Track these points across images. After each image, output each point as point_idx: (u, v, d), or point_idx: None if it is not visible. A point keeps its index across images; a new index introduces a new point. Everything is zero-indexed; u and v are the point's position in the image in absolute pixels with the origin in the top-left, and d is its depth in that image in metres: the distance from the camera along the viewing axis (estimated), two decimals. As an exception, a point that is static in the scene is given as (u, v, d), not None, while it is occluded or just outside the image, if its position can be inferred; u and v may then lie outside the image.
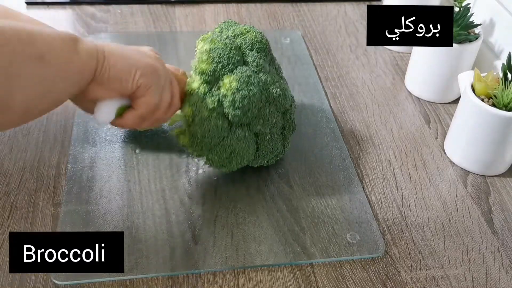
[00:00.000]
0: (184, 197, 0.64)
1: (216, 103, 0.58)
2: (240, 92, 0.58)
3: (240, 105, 0.58)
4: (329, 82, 0.85)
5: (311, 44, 0.93)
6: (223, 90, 0.59)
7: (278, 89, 0.62)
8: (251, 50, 0.63)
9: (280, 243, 0.59)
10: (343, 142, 0.73)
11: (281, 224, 0.62)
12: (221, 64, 0.59)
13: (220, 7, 1.00)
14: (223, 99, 0.59)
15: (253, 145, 0.62)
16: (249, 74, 0.59)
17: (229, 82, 0.58)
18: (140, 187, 0.65)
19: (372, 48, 0.93)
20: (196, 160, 0.68)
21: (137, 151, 0.69)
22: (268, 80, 0.61)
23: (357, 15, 1.02)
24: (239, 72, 0.59)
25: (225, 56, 0.59)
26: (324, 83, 0.84)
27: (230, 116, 0.59)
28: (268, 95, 0.61)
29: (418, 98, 0.83)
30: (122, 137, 0.71)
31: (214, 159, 0.62)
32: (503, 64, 0.67)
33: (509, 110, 0.65)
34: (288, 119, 0.65)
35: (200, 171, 0.67)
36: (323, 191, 0.66)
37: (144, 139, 0.71)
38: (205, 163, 0.64)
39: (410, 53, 0.85)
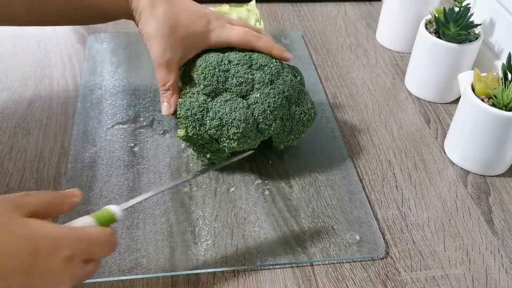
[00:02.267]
0: (184, 197, 0.64)
1: (188, 89, 0.64)
2: (200, 67, 0.63)
3: (203, 75, 0.62)
4: (329, 82, 0.85)
5: (311, 44, 0.93)
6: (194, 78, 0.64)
7: (240, 53, 0.64)
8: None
9: (280, 243, 0.59)
10: (343, 142, 0.73)
11: (281, 224, 0.62)
12: (187, 66, 0.66)
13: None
14: (196, 83, 0.64)
15: (242, 106, 0.62)
16: (206, 55, 0.65)
17: (195, 70, 0.64)
18: (140, 187, 0.65)
19: (372, 48, 0.93)
20: (195, 157, 0.68)
21: (137, 151, 0.69)
22: (230, 53, 0.65)
23: (357, 15, 1.02)
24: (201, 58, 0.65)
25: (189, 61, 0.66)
26: (324, 83, 0.84)
27: (204, 91, 0.63)
28: (229, 60, 0.63)
29: (418, 98, 0.83)
30: (122, 137, 0.71)
31: (216, 136, 0.62)
32: (503, 64, 0.67)
33: (509, 110, 0.65)
34: (270, 73, 0.64)
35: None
36: (323, 191, 0.66)
37: (144, 139, 0.71)
38: (216, 154, 0.66)
39: (410, 53, 0.85)
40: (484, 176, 0.71)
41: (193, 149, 0.66)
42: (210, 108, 0.62)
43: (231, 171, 0.67)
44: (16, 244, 0.38)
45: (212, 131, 0.62)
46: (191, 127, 0.62)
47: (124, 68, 0.83)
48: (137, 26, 0.65)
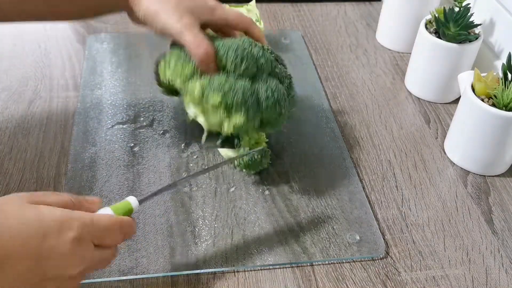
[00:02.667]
0: (184, 197, 0.64)
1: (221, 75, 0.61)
2: (229, 51, 0.60)
3: (239, 59, 0.60)
4: (329, 82, 0.85)
5: (311, 44, 0.93)
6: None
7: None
8: None
9: (280, 243, 0.59)
10: (343, 142, 0.73)
11: (281, 224, 0.62)
12: None
13: (220, 7, 1.00)
14: (229, 69, 0.61)
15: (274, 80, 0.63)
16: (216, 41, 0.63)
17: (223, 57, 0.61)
18: (140, 187, 0.65)
19: (372, 48, 0.93)
20: (196, 157, 0.68)
21: (137, 150, 0.69)
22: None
23: (357, 15, 1.02)
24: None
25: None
26: (324, 83, 0.84)
27: (244, 74, 0.61)
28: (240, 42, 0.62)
29: (418, 98, 0.83)
30: (122, 137, 0.71)
31: (271, 112, 0.62)
32: (503, 64, 0.67)
33: (509, 110, 0.65)
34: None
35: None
36: (323, 191, 0.66)
37: (144, 139, 0.71)
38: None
39: (410, 53, 0.85)
40: (484, 176, 0.71)
41: (241, 162, 0.64)
42: (260, 89, 0.61)
43: (231, 171, 0.67)
44: (26, 231, 0.39)
45: (268, 111, 0.61)
46: (251, 109, 0.59)
47: (124, 68, 0.83)
48: (136, 12, 0.63)
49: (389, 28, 0.92)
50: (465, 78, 0.73)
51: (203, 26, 0.63)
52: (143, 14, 0.62)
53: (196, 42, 0.60)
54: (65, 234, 0.41)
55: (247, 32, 0.67)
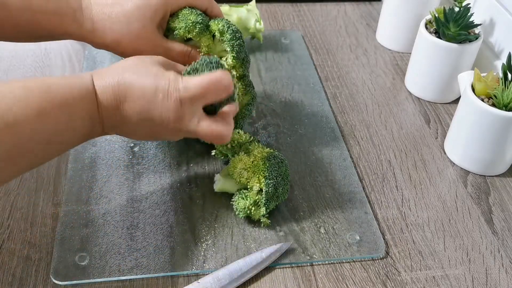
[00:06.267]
0: (184, 197, 0.64)
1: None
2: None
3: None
4: (329, 82, 0.85)
5: (311, 44, 0.93)
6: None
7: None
8: None
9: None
10: (343, 142, 0.73)
11: (281, 224, 0.62)
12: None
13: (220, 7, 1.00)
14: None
15: None
16: None
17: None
18: (140, 187, 0.65)
19: (372, 48, 0.93)
20: (196, 157, 0.68)
21: (137, 151, 0.69)
22: None
23: (357, 15, 1.02)
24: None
25: None
26: (324, 83, 0.84)
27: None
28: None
29: (418, 98, 0.83)
30: (122, 137, 0.71)
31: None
32: (503, 64, 0.67)
33: (509, 110, 0.65)
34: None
35: (201, 171, 0.67)
36: (323, 191, 0.66)
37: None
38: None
39: (410, 53, 0.85)
40: (484, 176, 0.71)
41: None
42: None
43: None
44: (145, 82, 0.51)
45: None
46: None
47: (124, 68, 0.83)
48: (96, 38, 0.59)
49: (389, 28, 0.92)
50: (465, 78, 0.73)
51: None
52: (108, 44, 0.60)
53: (183, 53, 0.63)
54: (172, 95, 0.50)
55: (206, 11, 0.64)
